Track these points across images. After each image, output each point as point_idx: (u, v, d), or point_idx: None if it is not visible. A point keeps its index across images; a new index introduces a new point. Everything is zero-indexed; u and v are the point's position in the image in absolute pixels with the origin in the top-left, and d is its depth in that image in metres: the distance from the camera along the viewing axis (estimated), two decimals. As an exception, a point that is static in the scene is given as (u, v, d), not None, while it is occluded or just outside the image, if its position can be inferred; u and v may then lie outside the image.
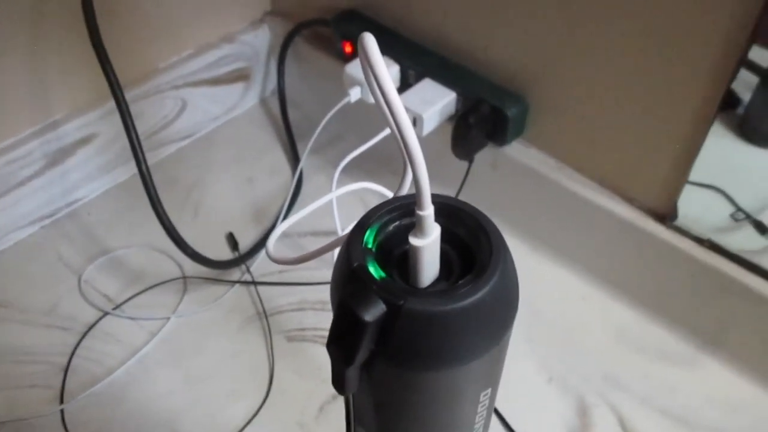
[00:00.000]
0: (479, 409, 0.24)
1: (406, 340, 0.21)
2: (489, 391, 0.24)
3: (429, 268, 0.22)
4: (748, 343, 0.52)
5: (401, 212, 0.23)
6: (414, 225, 0.21)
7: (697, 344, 0.55)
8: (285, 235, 0.64)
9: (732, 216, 0.51)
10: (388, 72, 0.19)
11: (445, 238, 0.22)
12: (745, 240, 0.51)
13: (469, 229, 0.22)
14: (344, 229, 0.60)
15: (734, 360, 0.54)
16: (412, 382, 0.22)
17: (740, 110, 0.46)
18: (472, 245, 0.22)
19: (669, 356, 0.55)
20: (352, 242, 0.22)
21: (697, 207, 0.52)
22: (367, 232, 0.22)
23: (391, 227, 0.23)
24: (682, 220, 0.52)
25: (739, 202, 0.50)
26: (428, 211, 0.21)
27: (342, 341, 0.21)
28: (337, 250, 0.25)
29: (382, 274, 0.21)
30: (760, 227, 0.51)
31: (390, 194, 0.41)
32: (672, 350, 0.55)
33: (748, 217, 0.51)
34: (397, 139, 0.20)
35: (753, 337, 0.52)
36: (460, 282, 0.21)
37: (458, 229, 0.23)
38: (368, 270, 0.21)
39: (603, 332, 0.57)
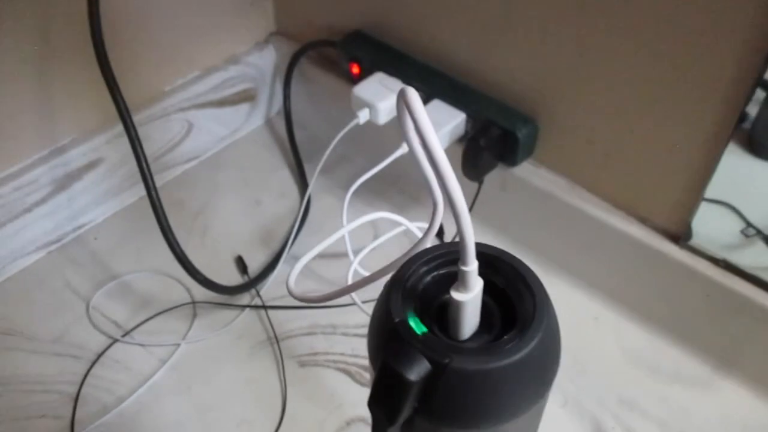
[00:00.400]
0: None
1: (450, 398, 0.20)
2: (530, 440, 0.24)
3: (471, 321, 0.21)
4: (765, 363, 0.52)
5: (438, 263, 0.23)
6: (453, 275, 0.21)
7: (712, 365, 0.55)
8: (294, 257, 0.64)
9: (743, 232, 0.51)
10: (432, 128, 0.19)
11: (484, 288, 0.22)
12: (756, 256, 0.51)
13: (507, 278, 0.22)
14: (355, 253, 0.59)
15: (751, 381, 0.53)
16: (455, 438, 0.22)
17: (746, 125, 0.46)
18: (512, 295, 0.22)
19: (684, 378, 0.54)
20: (391, 296, 0.21)
21: (708, 224, 0.51)
22: (406, 285, 0.22)
23: (428, 278, 0.23)
24: (696, 239, 0.52)
25: (749, 218, 0.50)
26: (473, 266, 0.20)
27: (385, 400, 0.20)
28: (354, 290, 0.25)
29: (424, 329, 0.21)
30: (771, 243, 0.50)
31: (406, 223, 0.41)
32: (687, 372, 0.55)
33: (759, 232, 0.50)
34: (431, 188, 0.20)
35: (769, 358, 0.52)
36: (504, 337, 0.21)
37: (496, 278, 0.22)
38: (410, 326, 0.21)
39: (617, 354, 0.56)
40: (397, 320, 0.21)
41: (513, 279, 0.22)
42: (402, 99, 0.19)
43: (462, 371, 0.20)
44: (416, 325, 0.21)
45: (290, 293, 0.29)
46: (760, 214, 0.49)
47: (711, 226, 0.51)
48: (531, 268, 0.22)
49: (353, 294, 0.55)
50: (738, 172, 0.48)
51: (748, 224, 0.50)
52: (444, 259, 0.23)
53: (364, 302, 0.56)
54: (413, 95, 0.18)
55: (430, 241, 0.25)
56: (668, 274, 0.54)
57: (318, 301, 0.28)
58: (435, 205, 0.23)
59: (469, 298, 0.21)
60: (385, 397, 0.20)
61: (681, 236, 0.53)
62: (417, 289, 0.22)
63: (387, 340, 0.21)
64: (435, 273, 0.23)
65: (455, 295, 0.21)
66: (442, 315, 0.22)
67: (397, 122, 0.61)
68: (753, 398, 0.53)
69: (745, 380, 0.53)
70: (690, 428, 0.51)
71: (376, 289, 0.60)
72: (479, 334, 0.22)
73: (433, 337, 0.21)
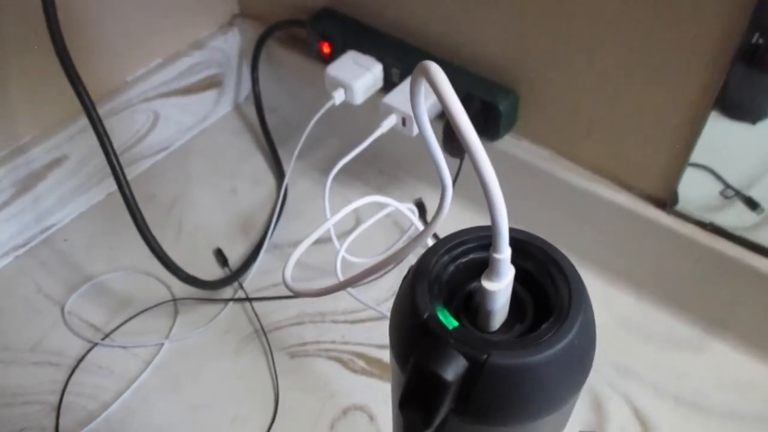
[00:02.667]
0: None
1: (489, 396, 0.19)
2: (563, 430, 0.23)
3: (502, 310, 0.20)
4: (755, 323, 0.52)
5: (461, 250, 0.22)
6: (479, 263, 0.19)
7: (703, 328, 0.55)
8: (275, 246, 0.62)
9: (722, 194, 0.51)
10: (461, 106, 0.17)
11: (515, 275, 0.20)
12: (736, 217, 0.51)
13: (538, 263, 0.21)
14: (339, 237, 0.58)
15: (742, 341, 0.54)
16: (490, 435, 0.21)
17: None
18: (544, 281, 0.21)
19: (676, 342, 0.54)
20: (416, 289, 0.20)
21: (690, 188, 0.51)
22: (430, 276, 0.20)
23: (452, 267, 0.21)
24: (682, 204, 0.52)
25: (727, 179, 0.50)
26: (506, 254, 0.19)
27: (420, 403, 0.19)
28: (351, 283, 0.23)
29: (455, 324, 0.20)
30: (749, 202, 0.50)
31: (396, 204, 0.39)
32: (679, 336, 0.55)
33: (738, 193, 0.50)
34: (441, 172, 0.19)
35: (760, 317, 0.52)
36: (542, 327, 0.19)
37: (526, 263, 0.21)
38: (440, 321, 0.19)
39: (608, 322, 0.56)
40: (426, 315, 0.19)
41: (544, 264, 0.21)
42: (423, 75, 0.17)
43: (502, 366, 0.18)
44: (447, 320, 0.19)
45: (289, 289, 0.27)
46: (737, 175, 0.49)
47: (692, 190, 0.51)
48: (562, 252, 0.21)
49: (341, 278, 0.53)
50: (714, 134, 0.48)
51: (727, 185, 0.50)
52: (467, 246, 0.22)
53: (353, 287, 0.55)
54: (437, 70, 0.17)
55: (437, 226, 0.23)
56: (657, 241, 0.53)
57: (318, 295, 0.26)
58: (443, 189, 0.22)
59: (502, 287, 0.19)
60: (420, 399, 0.19)
61: (668, 202, 0.53)
62: (442, 279, 0.21)
63: (417, 338, 0.19)
64: (458, 261, 0.21)
65: (486, 284, 0.19)
66: (469, 305, 0.21)
67: (373, 102, 0.59)
68: (745, 358, 0.53)
69: (736, 341, 0.54)
70: (686, 391, 0.51)
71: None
72: (510, 323, 0.21)
73: (467, 331, 0.20)
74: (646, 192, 0.54)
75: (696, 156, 0.50)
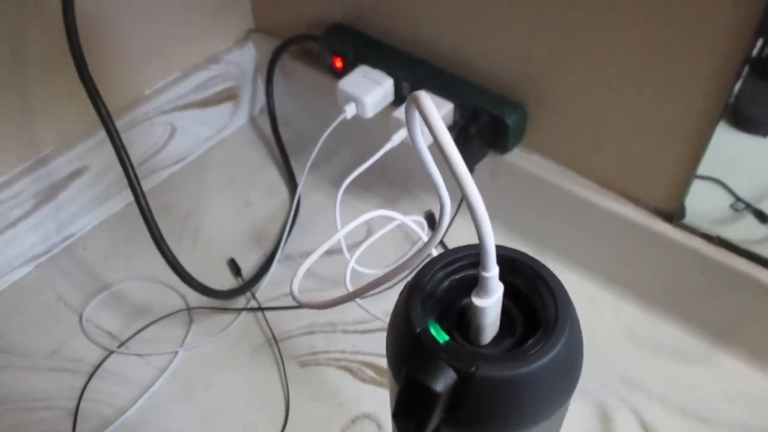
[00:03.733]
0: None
1: (478, 406, 0.20)
2: (554, 441, 0.23)
3: (492, 326, 0.21)
4: (763, 337, 0.52)
5: (454, 267, 0.22)
6: (471, 279, 0.20)
7: (710, 341, 0.55)
8: (287, 257, 0.63)
9: (732, 206, 0.51)
10: (447, 131, 0.18)
11: (504, 290, 0.21)
12: (746, 230, 0.51)
13: (527, 279, 0.22)
14: (349, 248, 0.59)
15: (750, 355, 0.54)
16: (481, 445, 0.21)
17: (730, 99, 0.46)
18: (532, 297, 0.21)
19: (684, 354, 0.55)
20: (410, 304, 0.21)
21: (699, 201, 0.51)
22: (424, 291, 0.21)
23: (446, 283, 0.22)
24: (689, 217, 0.52)
25: (737, 192, 0.50)
26: (493, 272, 0.20)
27: (411, 413, 0.20)
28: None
29: (446, 338, 0.20)
30: (760, 216, 0.50)
31: (402, 218, 0.40)
32: (686, 348, 0.55)
33: (748, 206, 0.51)
34: (439, 193, 0.20)
35: (766, 331, 0.52)
36: (529, 340, 0.20)
37: (516, 280, 0.22)
38: (432, 335, 0.20)
39: (616, 334, 0.56)
40: (418, 330, 0.20)
41: (532, 280, 0.22)
42: (414, 104, 0.18)
43: (490, 378, 0.19)
44: (438, 334, 0.20)
45: (296, 300, 0.28)
46: (747, 188, 0.49)
47: (702, 202, 0.51)
48: (549, 268, 0.22)
49: (350, 289, 0.54)
50: (724, 146, 0.48)
51: (737, 198, 0.50)
52: (460, 264, 0.23)
53: (362, 298, 0.56)
54: (425, 99, 0.18)
55: (437, 242, 0.24)
56: (663, 254, 0.54)
57: (324, 307, 0.27)
58: (442, 206, 0.23)
59: (491, 303, 0.20)
60: (411, 409, 0.20)
61: (674, 215, 0.53)
62: (435, 295, 0.22)
63: (409, 351, 0.20)
64: (452, 278, 0.22)
65: (476, 301, 0.20)
66: (461, 320, 0.22)
67: (384, 115, 0.60)
68: (753, 371, 0.53)
69: (743, 354, 0.54)
70: (693, 404, 0.52)
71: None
72: (500, 338, 0.22)
73: (457, 345, 0.21)
74: (653, 205, 0.54)
75: (704, 169, 0.50)
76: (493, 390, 0.20)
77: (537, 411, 0.21)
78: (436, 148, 0.19)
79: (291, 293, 0.29)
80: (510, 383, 0.20)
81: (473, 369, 0.19)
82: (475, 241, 0.23)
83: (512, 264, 0.22)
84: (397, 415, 0.20)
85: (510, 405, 0.20)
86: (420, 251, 0.24)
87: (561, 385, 0.21)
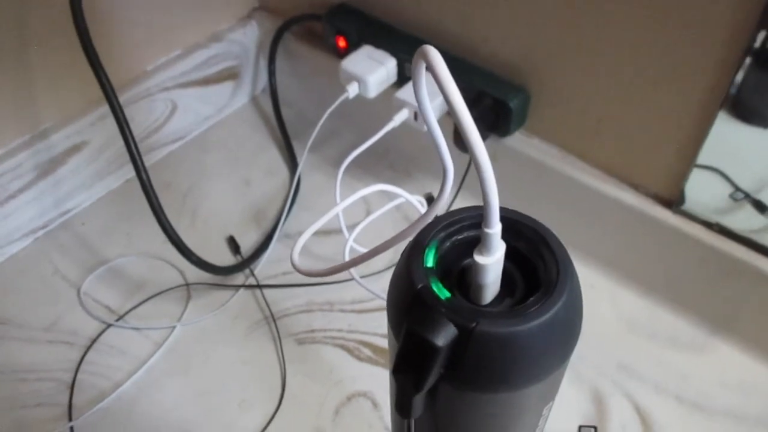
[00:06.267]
0: (540, 423, 0.24)
1: (477, 363, 0.20)
2: (551, 403, 0.23)
3: (493, 285, 0.21)
4: (760, 325, 0.53)
5: (456, 228, 0.22)
6: (473, 240, 0.20)
7: (708, 329, 0.55)
8: (286, 236, 0.63)
9: (731, 196, 0.51)
10: (455, 86, 0.18)
11: (505, 253, 0.21)
12: (745, 220, 0.51)
13: (529, 242, 0.22)
14: (349, 228, 0.59)
15: (746, 343, 0.54)
16: (480, 402, 0.22)
17: (733, 90, 0.46)
18: (534, 259, 0.22)
19: (681, 342, 0.55)
20: (412, 262, 0.21)
21: (698, 189, 0.52)
22: (426, 251, 0.21)
23: (447, 243, 0.22)
24: (689, 204, 0.52)
25: (737, 182, 0.50)
26: (496, 228, 0.20)
27: (411, 367, 0.20)
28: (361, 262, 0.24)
29: (448, 295, 0.21)
30: (759, 206, 0.51)
31: (405, 194, 0.40)
32: (683, 336, 0.55)
33: (747, 196, 0.51)
34: (441, 155, 0.19)
35: (764, 319, 0.52)
36: (530, 299, 0.20)
37: (518, 242, 0.22)
38: (433, 291, 0.20)
39: (614, 320, 0.56)
40: (420, 286, 0.20)
41: (535, 242, 0.22)
42: (422, 57, 0.18)
43: (489, 334, 0.19)
44: (439, 290, 0.21)
45: (295, 268, 0.28)
46: (747, 179, 0.50)
47: (701, 191, 0.52)
48: (551, 230, 0.22)
49: (351, 269, 0.54)
50: (725, 137, 0.48)
51: (737, 188, 0.51)
52: (462, 224, 0.23)
53: (362, 277, 0.56)
54: (434, 53, 0.18)
55: (441, 209, 0.24)
56: (663, 240, 0.54)
57: (322, 275, 0.27)
58: (445, 171, 0.23)
59: (493, 261, 0.20)
60: (411, 364, 0.20)
61: (674, 202, 0.53)
62: (437, 254, 0.22)
63: (410, 307, 0.20)
64: (454, 238, 0.22)
65: (478, 258, 0.20)
66: (463, 281, 0.22)
67: (386, 96, 0.60)
68: (748, 359, 0.53)
69: (740, 342, 0.54)
70: (688, 391, 0.52)
71: (374, 265, 0.60)
72: (501, 298, 0.22)
73: (458, 301, 0.21)
74: (653, 191, 0.54)
75: (705, 158, 0.50)
76: (492, 346, 0.20)
77: (534, 370, 0.21)
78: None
79: (291, 261, 0.29)
80: (509, 340, 0.20)
81: (473, 324, 0.19)
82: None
83: (514, 225, 0.22)
84: (396, 370, 0.20)
85: (509, 362, 0.20)
86: (420, 219, 0.24)
87: (559, 344, 0.21)
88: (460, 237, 0.23)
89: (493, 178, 0.19)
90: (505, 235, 0.21)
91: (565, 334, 0.21)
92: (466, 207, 0.21)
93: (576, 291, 0.21)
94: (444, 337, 0.19)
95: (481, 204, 0.20)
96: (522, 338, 0.20)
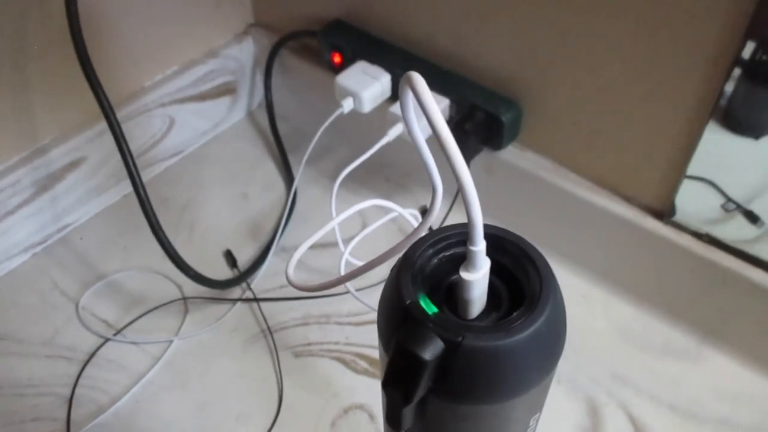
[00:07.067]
0: (528, 433, 0.24)
1: (464, 375, 0.20)
2: (538, 414, 0.24)
3: (479, 300, 0.22)
4: (751, 334, 0.53)
5: (443, 245, 0.23)
6: (460, 257, 0.21)
7: (700, 338, 0.56)
8: (283, 249, 0.64)
9: (723, 207, 0.52)
10: (438, 109, 0.19)
11: (491, 268, 0.22)
12: (736, 230, 0.52)
13: (513, 257, 0.22)
14: (345, 242, 0.59)
15: (738, 352, 0.54)
16: (467, 414, 0.22)
17: (723, 101, 0.47)
18: (518, 274, 0.22)
19: (673, 351, 0.55)
20: (401, 278, 0.22)
21: (689, 201, 0.52)
22: (414, 267, 0.22)
23: (435, 260, 0.23)
24: (680, 215, 0.53)
25: (728, 193, 0.51)
26: (481, 246, 0.20)
27: (400, 381, 0.21)
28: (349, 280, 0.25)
29: (435, 310, 0.21)
30: (750, 216, 0.51)
31: (399, 209, 0.41)
32: (676, 345, 0.56)
33: (739, 207, 0.51)
34: (430, 174, 0.20)
35: (755, 329, 0.53)
36: (514, 314, 0.21)
37: (503, 258, 0.23)
38: (421, 306, 0.21)
39: (606, 330, 0.57)
40: (408, 302, 0.21)
41: (519, 258, 0.22)
42: (407, 83, 0.19)
43: (475, 348, 0.20)
44: (427, 306, 0.21)
45: (290, 282, 0.29)
46: (738, 189, 0.50)
47: (693, 202, 0.52)
48: (534, 245, 0.22)
49: (347, 283, 0.55)
50: (716, 148, 0.49)
51: (728, 199, 0.51)
52: (449, 242, 0.23)
53: (357, 290, 0.56)
54: (418, 79, 0.19)
55: (430, 225, 0.25)
56: (654, 251, 0.54)
57: (317, 290, 0.28)
58: (434, 189, 0.23)
59: (478, 277, 0.21)
60: (400, 378, 0.21)
61: (665, 213, 0.54)
62: (425, 271, 0.23)
63: (399, 322, 0.21)
64: (441, 255, 0.23)
65: (464, 274, 0.21)
66: (450, 296, 0.23)
67: (381, 111, 0.61)
68: (741, 368, 0.54)
69: (732, 351, 0.55)
70: (681, 400, 0.52)
71: (370, 278, 0.60)
72: (487, 313, 0.23)
73: (444, 316, 0.22)
74: (644, 202, 0.55)
75: (695, 169, 0.51)
76: (478, 359, 0.20)
77: (520, 382, 0.21)
78: (431, 141, 0.19)
79: (286, 276, 0.30)
80: (495, 353, 0.20)
81: (460, 339, 0.20)
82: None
83: (499, 242, 0.23)
84: (386, 384, 0.21)
85: (495, 374, 0.21)
86: (412, 234, 0.25)
87: (543, 357, 0.22)
88: (447, 254, 0.23)
89: (476, 199, 0.19)
90: (491, 251, 0.21)
91: (548, 347, 0.22)
92: (454, 224, 0.22)
93: (559, 305, 0.22)
94: (431, 351, 0.20)
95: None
96: (507, 352, 0.20)
